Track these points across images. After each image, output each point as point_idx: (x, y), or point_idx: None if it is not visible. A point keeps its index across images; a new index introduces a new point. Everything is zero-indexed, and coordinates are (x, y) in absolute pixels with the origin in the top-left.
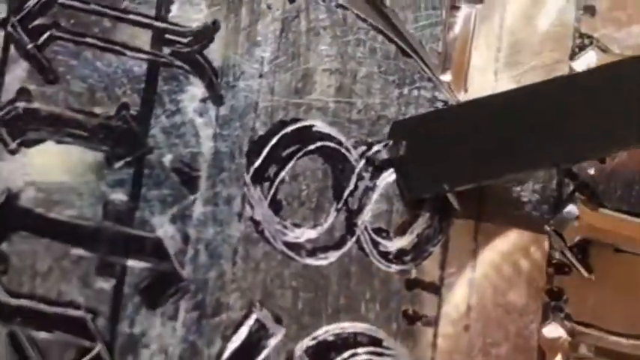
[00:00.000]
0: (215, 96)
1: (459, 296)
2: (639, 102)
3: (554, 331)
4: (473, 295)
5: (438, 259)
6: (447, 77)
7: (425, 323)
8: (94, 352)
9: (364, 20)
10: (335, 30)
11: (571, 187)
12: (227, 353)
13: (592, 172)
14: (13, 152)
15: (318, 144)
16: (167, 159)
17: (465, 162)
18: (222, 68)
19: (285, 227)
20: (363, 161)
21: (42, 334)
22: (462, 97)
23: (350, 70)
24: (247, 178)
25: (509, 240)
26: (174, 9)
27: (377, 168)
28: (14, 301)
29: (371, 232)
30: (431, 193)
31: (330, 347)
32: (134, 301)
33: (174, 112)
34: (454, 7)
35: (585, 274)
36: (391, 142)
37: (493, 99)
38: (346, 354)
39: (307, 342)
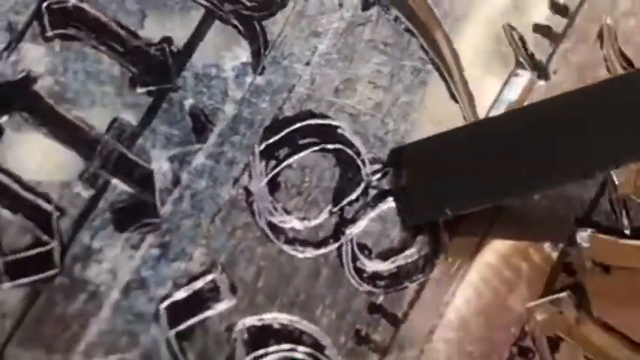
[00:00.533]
0: (257, 65)
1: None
2: None
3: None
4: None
5: (410, 297)
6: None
7: (373, 349)
8: (47, 248)
9: (426, 52)
10: (394, 50)
11: None
12: (171, 299)
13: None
14: (47, 39)
15: (337, 146)
16: (188, 102)
17: (467, 186)
18: (274, 43)
19: (275, 209)
20: (373, 178)
21: (5, 212)
22: None
23: (395, 92)
24: (257, 150)
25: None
26: None
27: (384, 191)
28: None
29: (355, 245)
30: (432, 218)
31: (273, 334)
32: (105, 216)
33: (213, 64)
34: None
35: None
36: (392, 170)
37: (493, 121)
38: (285, 346)
39: (252, 320)
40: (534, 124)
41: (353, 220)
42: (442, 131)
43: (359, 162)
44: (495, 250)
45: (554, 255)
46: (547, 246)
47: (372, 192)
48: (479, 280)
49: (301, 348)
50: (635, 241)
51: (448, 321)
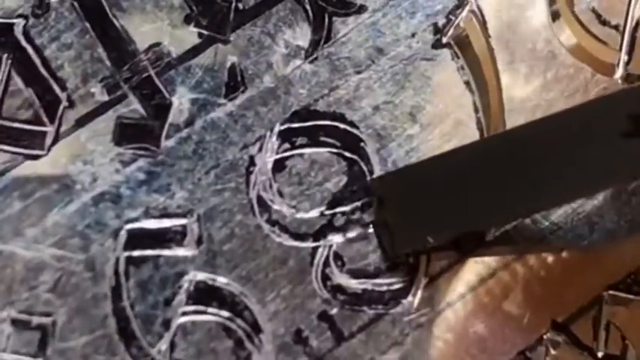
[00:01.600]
0: (311, 53)
1: None
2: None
3: None
4: None
5: (363, 322)
6: None
7: (306, 353)
8: (42, 129)
9: (476, 110)
10: (446, 96)
11: None
12: (137, 224)
13: None
14: None
15: (354, 157)
16: (230, 60)
17: (449, 212)
18: (336, 41)
19: (270, 186)
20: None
21: (19, 81)
22: None
23: (430, 133)
24: (277, 128)
25: None
26: None
27: None
28: None
29: (332, 253)
30: (414, 247)
31: (218, 297)
32: (109, 125)
33: (270, 33)
34: None
35: None
36: (374, 200)
37: (475, 147)
38: (225, 313)
39: (204, 276)
40: (517, 150)
41: (339, 230)
42: (423, 159)
43: (369, 179)
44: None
45: (550, 259)
46: None
47: (370, 211)
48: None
49: (239, 321)
50: None
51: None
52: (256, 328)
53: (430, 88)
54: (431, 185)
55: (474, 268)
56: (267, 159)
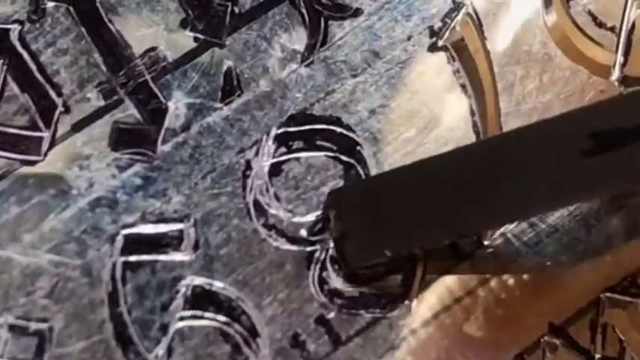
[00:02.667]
0: (307, 57)
1: None
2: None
3: None
4: None
5: (360, 325)
6: None
7: (303, 357)
8: (38, 134)
9: (472, 114)
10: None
11: None
12: (134, 229)
13: None
14: None
15: (351, 161)
16: (226, 64)
17: (406, 226)
18: (332, 45)
19: (267, 190)
20: None
21: (15, 87)
22: None
23: (425, 136)
24: (273, 132)
25: None
26: None
27: None
28: None
29: (329, 257)
30: (373, 260)
31: (215, 302)
32: (105, 129)
33: (266, 37)
34: None
35: None
36: (332, 214)
37: (436, 159)
38: (222, 318)
39: (202, 281)
40: (478, 163)
41: None
42: (382, 172)
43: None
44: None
45: (511, 281)
46: None
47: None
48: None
49: (237, 326)
50: None
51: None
52: (253, 332)
53: (426, 91)
54: (390, 198)
55: (437, 292)
56: (263, 163)
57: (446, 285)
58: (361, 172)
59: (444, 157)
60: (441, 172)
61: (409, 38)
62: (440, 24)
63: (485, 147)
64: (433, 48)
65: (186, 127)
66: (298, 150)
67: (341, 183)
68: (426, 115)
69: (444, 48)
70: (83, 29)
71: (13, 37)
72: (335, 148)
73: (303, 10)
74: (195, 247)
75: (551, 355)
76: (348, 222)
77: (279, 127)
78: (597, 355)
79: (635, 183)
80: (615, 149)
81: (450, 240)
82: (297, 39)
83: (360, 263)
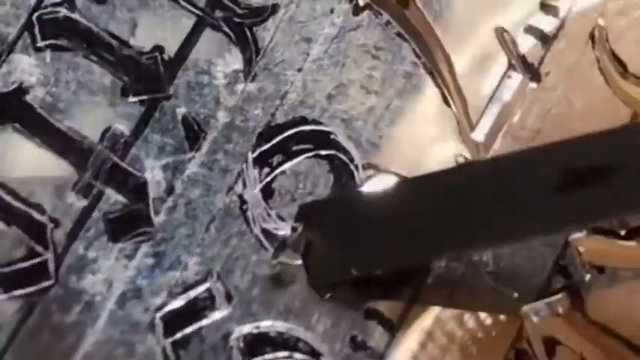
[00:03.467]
0: (249, 72)
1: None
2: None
3: None
4: None
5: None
6: (477, 136)
7: (369, 355)
8: (41, 259)
9: (418, 57)
10: (387, 55)
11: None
12: (167, 309)
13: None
14: (38, 50)
15: (331, 152)
16: (180, 111)
17: (375, 246)
18: (266, 50)
19: (269, 215)
20: (366, 184)
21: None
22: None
23: (387, 96)
24: (250, 157)
25: None
26: None
27: None
28: None
29: None
30: (338, 278)
31: (269, 342)
32: (98, 226)
33: (205, 70)
34: (507, 77)
35: None
36: (301, 226)
37: (406, 184)
38: (282, 354)
39: (249, 328)
40: (451, 189)
41: None
42: (353, 192)
43: (352, 168)
44: (431, 315)
45: (489, 321)
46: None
47: None
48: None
49: (298, 355)
50: (630, 242)
51: None
52: (315, 354)
53: (368, 54)
54: (362, 217)
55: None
56: (254, 191)
57: (422, 325)
58: (344, 158)
59: (417, 182)
60: (414, 196)
61: (332, 11)
62: None
63: (459, 174)
64: (357, 11)
65: (170, 190)
66: (280, 164)
67: (331, 177)
68: (377, 76)
69: (367, 6)
70: (37, 139)
71: None
72: (311, 146)
73: (226, 29)
74: (229, 298)
75: None
76: (316, 236)
77: (253, 151)
78: None
79: (602, 221)
80: (585, 187)
81: (416, 264)
82: (233, 59)
83: (323, 278)
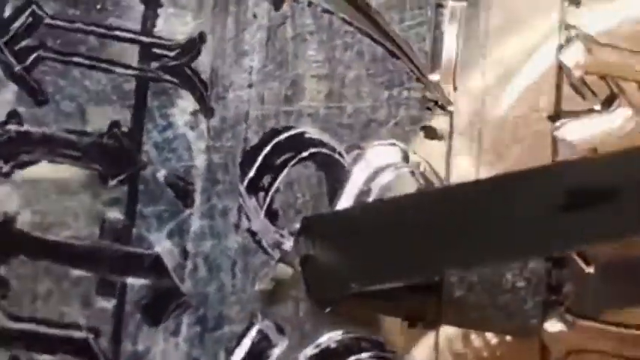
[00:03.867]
0: (206, 108)
1: None
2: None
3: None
4: None
5: None
6: (436, 77)
7: (427, 325)
8: None
9: (350, 24)
10: (321, 35)
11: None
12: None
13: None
14: (6, 175)
15: (312, 150)
16: (161, 174)
17: (375, 261)
18: (212, 80)
19: (282, 236)
20: (356, 166)
21: (45, 357)
22: (452, 96)
23: (338, 74)
24: (242, 189)
25: None
26: (160, 23)
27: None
28: (15, 325)
29: None
30: (338, 292)
31: (334, 354)
32: (135, 318)
33: (165, 126)
34: (440, 5)
35: None
36: (302, 238)
37: (411, 198)
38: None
39: (310, 350)
40: (452, 207)
41: None
42: (355, 205)
43: (337, 156)
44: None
45: (494, 341)
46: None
47: (362, 178)
48: None
49: (364, 354)
50: None
51: None
52: (379, 345)
53: (305, 42)
54: (363, 231)
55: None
56: (260, 219)
57: (429, 344)
58: (326, 151)
59: (421, 197)
60: (417, 213)
61: (255, 16)
62: None
63: (462, 191)
64: (277, 5)
65: (185, 254)
66: (271, 183)
67: (322, 174)
68: (322, 59)
69: None
70: (42, 262)
71: None
72: (292, 153)
73: (167, 77)
74: (281, 330)
75: None
76: (316, 250)
77: (242, 182)
78: None
79: (605, 242)
80: (590, 208)
81: (418, 280)
82: (186, 102)
83: (326, 294)
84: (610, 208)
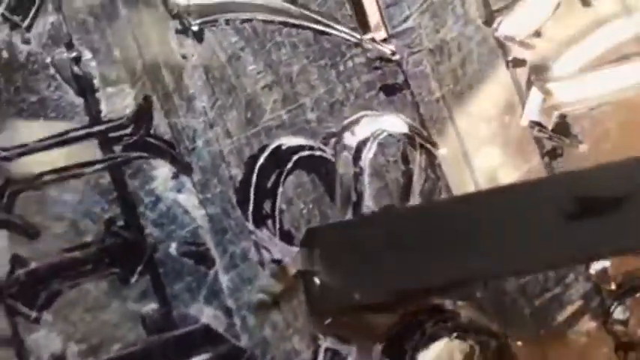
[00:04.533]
0: (183, 166)
1: None
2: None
3: None
4: None
5: None
6: (368, 35)
7: None
8: None
9: (271, 22)
10: (252, 45)
11: None
12: None
13: None
14: (37, 320)
15: (294, 158)
16: (173, 248)
17: (378, 273)
18: (175, 137)
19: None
20: (339, 154)
21: None
22: (392, 43)
23: (284, 75)
24: (250, 226)
25: None
26: (104, 107)
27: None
28: None
29: None
30: (340, 302)
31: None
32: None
33: (155, 201)
34: None
35: None
36: (304, 250)
37: (415, 210)
38: (416, 336)
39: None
40: (455, 220)
41: (360, 197)
42: (357, 218)
43: (319, 153)
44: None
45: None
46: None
47: (349, 160)
48: None
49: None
50: None
51: None
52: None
53: (240, 60)
54: (366, 243)
55: None
56: (279, 246)
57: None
58: (306, 153)
59: (424, 209)
60: (424, 224)
61: (184, 57)
62: None
63: (468, 202)
64: (200, 38)
65: (228, 311)
66: (272, 207)
67: (313, 177)
68: (264, 69)
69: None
70: None
71: None
72: (277, 170)
73: (135, 154)
74: (345, 341)
75: None
76: (319, 261)
77: (248, 219)
78: None
79: (613, 250)
80: (599, 215)
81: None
82: (162, 169)
83: (328, 305)
84: (619, 216)
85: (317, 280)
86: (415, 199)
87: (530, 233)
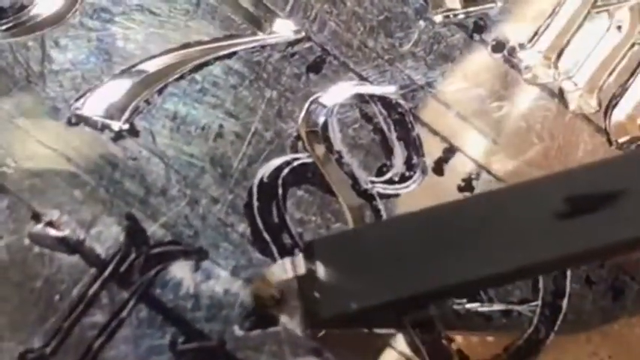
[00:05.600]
0: (199, 254)
1: None
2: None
3: None
4: None
5: None
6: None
7: None
8: None
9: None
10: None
11: None
12: None
13: None
14: None
15: (280, 182)
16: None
17: (376, 282)
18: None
19: None
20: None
21: None
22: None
23: (224, 110)
24: (277, 256)
25: None
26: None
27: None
28: None
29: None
30: (338, 312)
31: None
32: None
33: (180, 296)
34: None
35: None
36: (304, 262)
37: (414, 217)
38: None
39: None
40: (451, 225)
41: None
42: (357, 226)
43: (296, 163)
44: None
45: None
46: None
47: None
48: None
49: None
50: None
51: None
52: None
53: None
54: (364, 252)
55: None
56: (299, 267)
57: None
58: (296, 163)
59: (422, 215)
60: (418, 231)
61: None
62: None
63: (462, 207)
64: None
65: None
66: (289, 234)
67: (307, 187)
68: (227, 102)
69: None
70: None
71: None
72: (274, 201)
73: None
74: None
75: None
76: (318, 271)
77: (272, 258)
78: None
79: (606, 248)
80: (590, 213)
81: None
82: (177, 267)
83: (326, 314)
84: (611, 213)
85: (316, 294)
86: (397, 148)
87: (521, 236)
